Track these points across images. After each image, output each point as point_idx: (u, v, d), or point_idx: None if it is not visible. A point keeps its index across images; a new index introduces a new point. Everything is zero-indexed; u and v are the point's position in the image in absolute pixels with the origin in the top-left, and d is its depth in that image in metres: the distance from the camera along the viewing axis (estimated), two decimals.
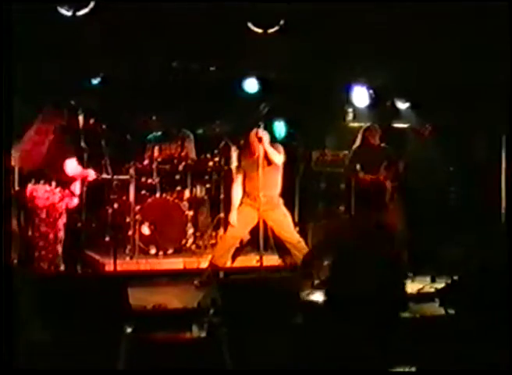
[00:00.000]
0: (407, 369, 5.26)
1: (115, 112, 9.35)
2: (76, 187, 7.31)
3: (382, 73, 9.35)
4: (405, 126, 9.88)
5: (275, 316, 5.83)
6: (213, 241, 9.31)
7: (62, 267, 7.37)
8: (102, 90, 9.34)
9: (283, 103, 9.50)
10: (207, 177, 9.66)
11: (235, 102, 10.00)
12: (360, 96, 9.70)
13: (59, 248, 7.32)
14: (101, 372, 5.00)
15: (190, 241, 9.25)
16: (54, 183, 7.20)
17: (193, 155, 9.67)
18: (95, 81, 9.24)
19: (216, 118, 10.52)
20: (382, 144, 9.09)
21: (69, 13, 7.33)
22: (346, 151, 9.82)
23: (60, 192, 7.26)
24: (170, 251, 9.04)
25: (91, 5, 7.30)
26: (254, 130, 8.13)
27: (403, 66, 8.96)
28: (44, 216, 7.21)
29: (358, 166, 9.00)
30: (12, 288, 5.48)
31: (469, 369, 5.15)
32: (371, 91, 9.61)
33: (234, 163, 8.96)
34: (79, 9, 7.29)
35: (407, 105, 9.62)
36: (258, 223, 8.10)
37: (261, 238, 7.97)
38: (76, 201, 7.35)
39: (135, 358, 5.17)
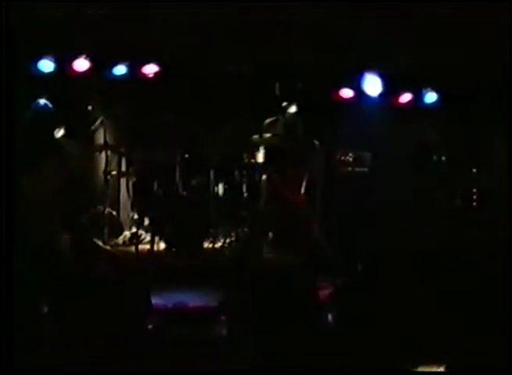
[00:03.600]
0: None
1: (131, 109, 9.41)
2: None
3: (401, 59, 8.93)
4: None
5: (299, 315, 5.82)
6: (234, 239, 9.32)
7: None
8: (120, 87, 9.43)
9: (304, 102, 9.46)
10: (230, 176, 9.67)
11: (258, 101, 9.98)
12: (373, 84, 9.28)
13: None
14: (104, 372, 5.02)
15: (211, 238, 9.27)
16: None
17: (216, 153, 9.68)
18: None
19: (240, 116, 10.50)
20: None
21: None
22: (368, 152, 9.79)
23: None
24: (191, 248, 9.05)
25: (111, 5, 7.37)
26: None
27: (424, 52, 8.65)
28: None
29: None
30: (13, 288, 5.56)
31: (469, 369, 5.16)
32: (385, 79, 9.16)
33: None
34: (100, 9, 7.36)
35: (434, 96, 9.14)
36: (280, 220, 8.11)
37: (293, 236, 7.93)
38: None
39: (154, 355, 5.19)
